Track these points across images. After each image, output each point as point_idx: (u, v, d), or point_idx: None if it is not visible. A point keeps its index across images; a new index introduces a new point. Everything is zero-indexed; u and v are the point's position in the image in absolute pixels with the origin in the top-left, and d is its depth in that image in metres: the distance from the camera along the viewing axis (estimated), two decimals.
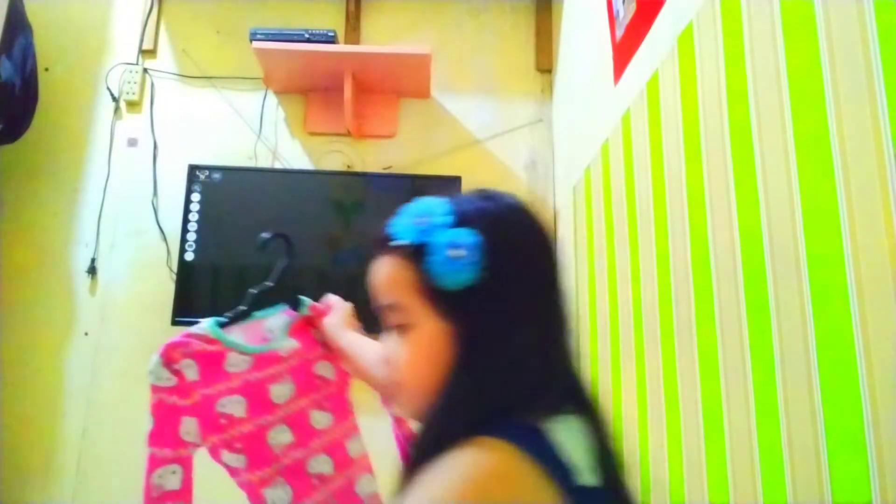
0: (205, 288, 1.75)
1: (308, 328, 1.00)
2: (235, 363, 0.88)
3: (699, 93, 0.91)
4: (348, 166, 1.95)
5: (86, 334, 1.82)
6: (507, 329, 0.56)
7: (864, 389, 0.56)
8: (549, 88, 2.03)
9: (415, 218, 0.61)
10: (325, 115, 1.97)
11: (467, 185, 1.82)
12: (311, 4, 2.05)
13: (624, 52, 1.25)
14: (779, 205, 0.70)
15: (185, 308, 1.72)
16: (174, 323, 1.71)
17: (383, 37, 2.05)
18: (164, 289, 1.80)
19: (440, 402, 0.56)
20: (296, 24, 1.94)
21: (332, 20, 2.03)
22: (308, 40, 1.77)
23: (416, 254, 0.58)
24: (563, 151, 1.87)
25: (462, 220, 0.59)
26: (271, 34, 1.78)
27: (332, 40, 1.78)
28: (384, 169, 1.94)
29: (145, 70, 2.01)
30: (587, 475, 0.52)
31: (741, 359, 0.76)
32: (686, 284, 0.92)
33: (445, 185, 1.82)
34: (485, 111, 2.01)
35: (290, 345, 0.95)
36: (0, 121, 1.74)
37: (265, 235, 0.97)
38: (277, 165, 1.94)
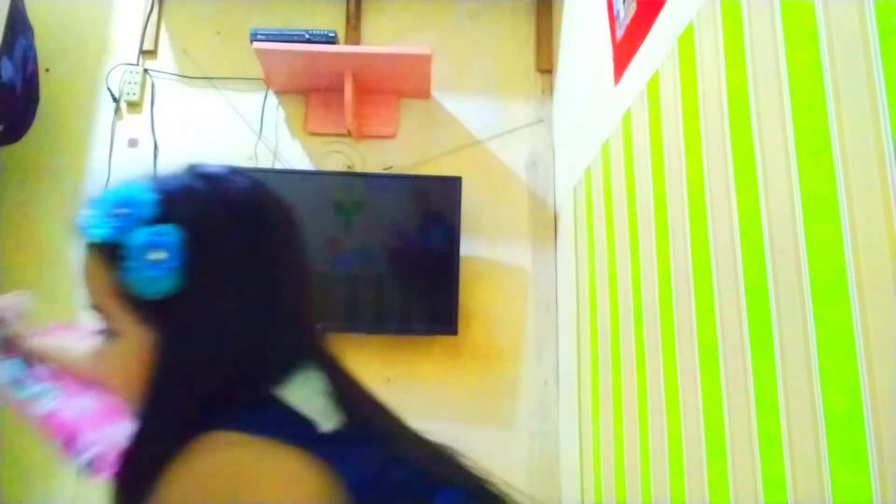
0: None
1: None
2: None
3: (699, 93, 0.91)
4: (349, 167, 1.95)
5: None
6: (220, 331, 0.51)
7: (864, 389, 0.56)
8: (549, 89, 2.03)
9: (111, 209, 0.51)
10: (325, 116, 1.97)
11: (468, 186, 1.83)
12: (311, 5, 2.05)
13: (624, 52, 1.25)
14: (779, 204, 0.70)
15: None
16: None
17: (383, 37, 2.05)
18: None
19: (148, 411, 0.51)
20: (296, 25, 1.95)
21: (333, 20, 2.04)
22: (308, 41, 1.77)
23: (111, 255, 0.50)
24: (563, 151, 1.87)
25: (166, 212, 0.50)
26: (272, 34, 1.78)
27: (332, 41, 1.78)
28: (384, 169, 1.94)
29: (146, 71, 2.01)
30: (327, 422, 0.52)
31: (741, 359, 0.76)
32: (686, 284, 0.92)
33: (446, 185, 1.81)
34: (485, 111, 2.01)
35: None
36: (1, 122, 1.74)
37: None
38: (278, 166, 1.94)
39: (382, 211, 1.80)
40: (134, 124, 1.98)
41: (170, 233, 0.49)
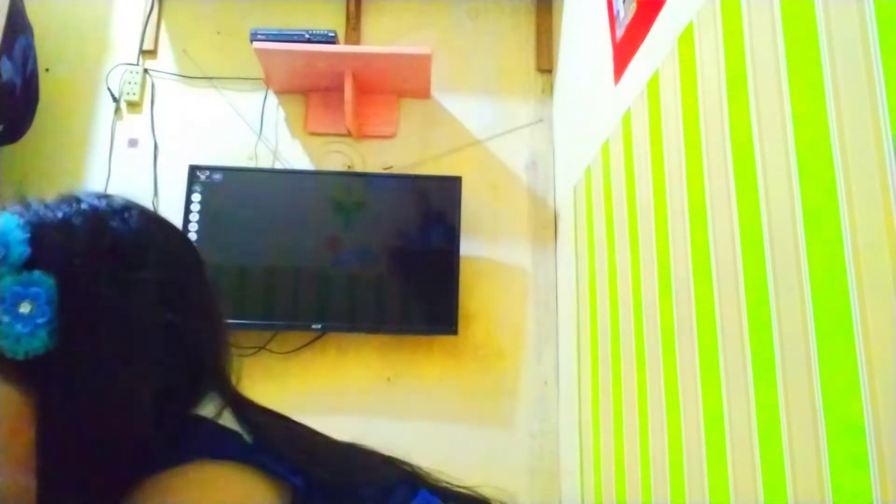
0: None
1: None
2: None
3: (699, 93, 0.91)
4: (349, 166, 1.95)
5: None
6: (105, 391, 0.44)
7: (864, 389, 0.55)
8: (549, 88, 2.03)
9: None
10: (325, 116, 1.97)
11: (468, 186, 1.83)
12: (311, 4, 2.05)
13: (624, 52, 1.25)
14: (779, 204, 0.70)
15: None
16: None
17: (383, 37, 2.05)
18: None
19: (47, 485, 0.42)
20: (296, 25, 1.94)
21: (333, 20, 2.04)
22: (308, 40, 1.77)
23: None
24: (564, 151, 1.87)
25: (37, 256, 0.43)
26: (272, 34, 1.78)
27: (332, 40, 1.78)
28: (384, 169, 1.94)
29: (146, 70, 2.01)
30: (246, 435, 0.51)
31: (742, 359, 0.76)
32: (686, 284, 0.92)
33: (446, 185, 1.81)
34: (485, 111, 2.01)
35: None
36: (1, 121, 1.74)
37: None
38: (278, 166, 1.94)
39: (382, 211, 1.80)
40: (134, 124, 1.98)
41: (40, 282, 0.42)
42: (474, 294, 1.86)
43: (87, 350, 0.44)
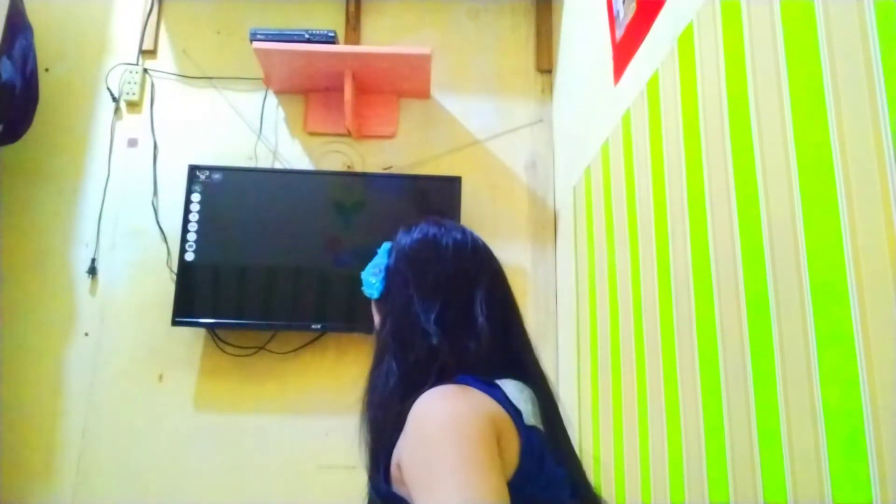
0: (205, 288, 1.75)
1: None
2: None
3: (699, 93, 0.91)
4: (348, 166, 1.95)
5: (86, 334, 1.82)
6: (401, 329, 0.76)
7: (864, 389, 0.56)
8: (549, 88, 2.03)
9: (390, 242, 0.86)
10: (325, 116, 1.97)
11: (467, 186, 1.83)
12: (311, 4, 2.05)
13: (624, 52, 1.25)
14: (779, 204, 0.70)
15: (186, 308, 1.72)
16: (174, 323, 1.71)
17: (383, 37, 2.05)
18: (164, 289, 1.80)
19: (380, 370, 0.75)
20: (296, 25, 1.95)
21: (333, 20, 2.03)
22: (308, 40, 1.77)
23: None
24: (563, 151, 1.87)
25: (392, 246, 0.84)
26: (271, 34, 1.78)
27: (332, 40, 1.78)
28: (384, 169, 1.94)
29: (145, 70, 2.01)
30: (530, 418, 0.68)
31: (741, 359, 0.76)
32: (686, 284, 0.92)
33: (445, 185, 1.81)
34: (485, 111, 2.01)
35: None
36: (1, 121, 1.74)
37: None
38: (277, 166, 1.94)
39: (382, 211, 1.80)
40: (133, 124, 1.97)
41: (384, 260, 0.83)
42: None
43: (395, 295, 0.80)
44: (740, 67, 0.79)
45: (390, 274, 0.81)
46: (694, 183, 0.91)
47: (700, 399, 0.87)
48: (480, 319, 0.74)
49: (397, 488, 0.66)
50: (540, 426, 0.69)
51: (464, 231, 0.84)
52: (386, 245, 0.86)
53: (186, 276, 1.75)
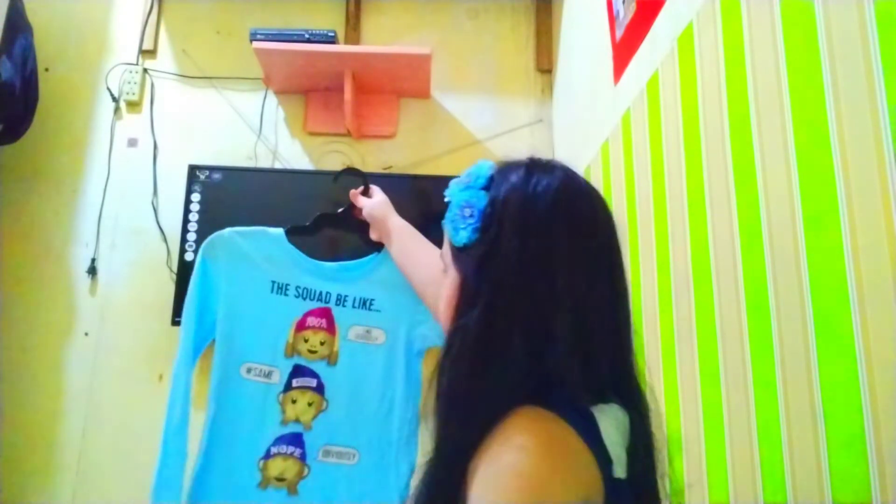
0: None
1: None
2: None
3: (699, 93, 0.91)
4: (348, 167, 1.95)
5: (86, 334, 1.82)
6: (495, 295, 0.59)
7: (864, 389, 0.56)
8: (549, 88, 2.03)
9: (464, 176, 0.68)
10: (325, 116, 1.97)
11: None
12: (311, 4, 2.05)
13: (624, 52, 1.25)
14: (779, 205, 0.70)
15: None
16: (174, 323, 1.70)
17: (383, 37, 2.05)
18: (164, 289, 1.80)
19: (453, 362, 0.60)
20: (296, 24, 1.94)
21: (332, 20, 2.03)
22: (308, 40, 1.76)
23: (446, 208, 0.65)
24: (563, 151, 1.87)
25: (490, 185, 0.64)
26: (271, 34, 1.78)
27: (332, 40, 1.78)
28: (384, 169, 1.94)
29: (145, 70, 2.01)
30: (619, 468, 0.56)
31: (741, 359, 0.76)
32: (686, 284, 0.92)
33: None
34: (485, 111, 2.01)
35: None
36: (0, 121, 1.74)
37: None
38: (277, 165, 1.94)
39: None
40: (133, 124, 1.97)
41: (480, 199, 0.62)
42: None
43: (492, 246, 0.61)
44: (740, 67, 0.79)
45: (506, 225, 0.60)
46: (693, 183, 0.91)
47: (700, 399, 0.87)
48: (614, 320, 0.61)
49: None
50: (624, 475, 0.56)
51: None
52: (485, 167, 0.66)
53: (186, 275, 1.74)
